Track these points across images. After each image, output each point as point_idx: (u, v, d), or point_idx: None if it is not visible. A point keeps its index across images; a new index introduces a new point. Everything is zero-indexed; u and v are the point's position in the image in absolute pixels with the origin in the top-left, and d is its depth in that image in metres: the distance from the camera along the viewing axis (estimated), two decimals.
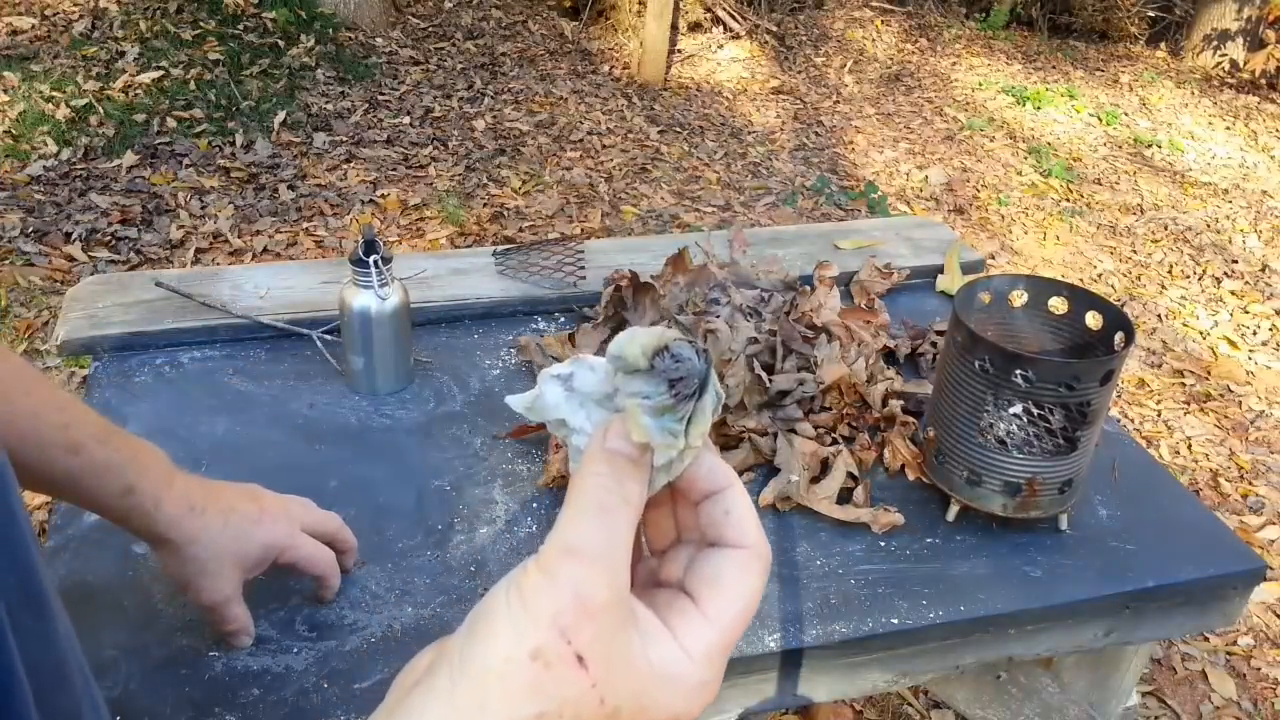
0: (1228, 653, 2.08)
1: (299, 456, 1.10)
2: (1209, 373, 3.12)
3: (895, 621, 0.95)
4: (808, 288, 1.39)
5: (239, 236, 3.18)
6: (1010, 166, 4.57)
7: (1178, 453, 2.74)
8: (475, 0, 5.44)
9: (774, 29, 5.72)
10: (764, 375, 1.14)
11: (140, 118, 3.65)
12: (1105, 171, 4.66)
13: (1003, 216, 4.09)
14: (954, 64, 5.82)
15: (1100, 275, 3.70)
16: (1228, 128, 5.43)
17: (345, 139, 3.89)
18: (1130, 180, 4.60)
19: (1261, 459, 2.72)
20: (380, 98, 4.28)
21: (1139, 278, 3.71)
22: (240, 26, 4.38)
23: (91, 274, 2.73)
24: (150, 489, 0.76)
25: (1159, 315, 3.44)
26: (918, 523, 1.07)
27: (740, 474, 1.11)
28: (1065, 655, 1.16)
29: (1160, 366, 3.14)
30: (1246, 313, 3.51)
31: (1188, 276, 3.75)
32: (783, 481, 1.07)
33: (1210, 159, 4.99)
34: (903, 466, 1.14)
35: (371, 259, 1.14)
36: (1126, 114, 5.42)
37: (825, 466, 1.10)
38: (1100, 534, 1.08)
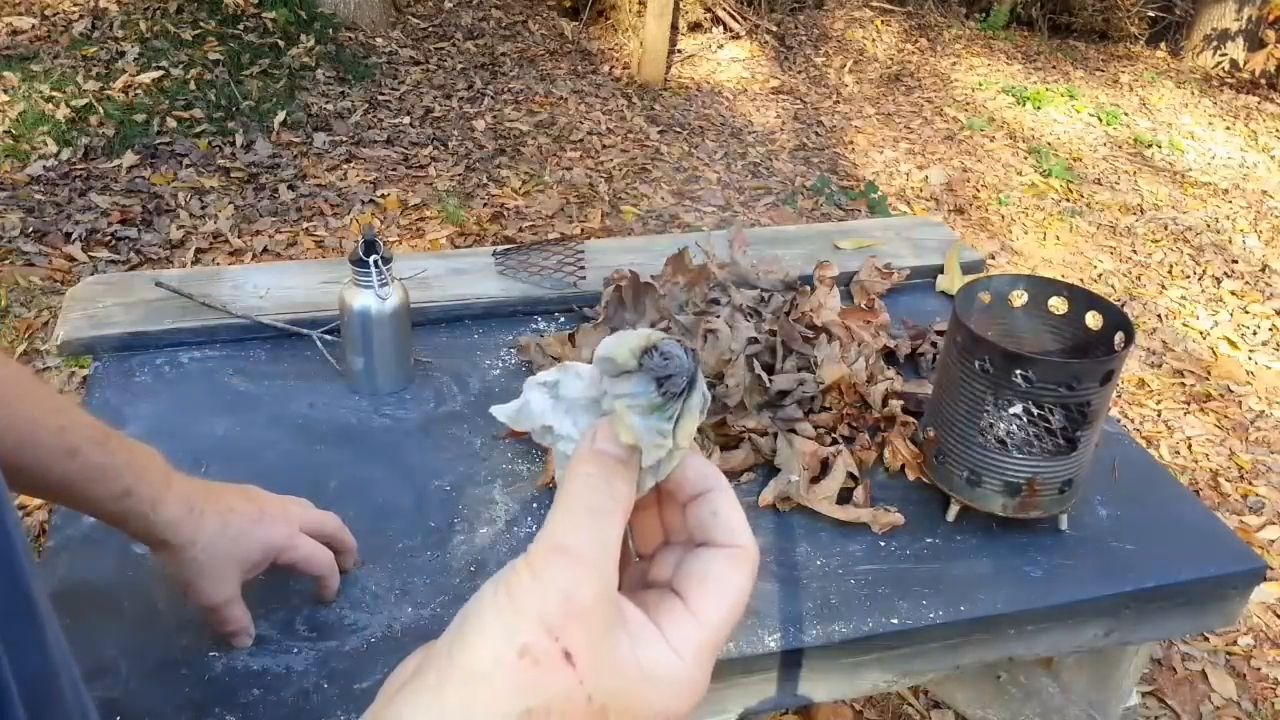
0: (1228, 653, 2.08)
1: (299, 457, 1.10)
2: (1209, 373, 3.12)
3: (895, 621, 0.95)
4: (808, 288, 1.39)
5: (239, 236, 3.18)
6: (1010, 166, 4.57)
7: (1178, 453, 2.74)
8: (475, 0, 5.44)
9: (774, 29, 5.72)
10: (764, 375, 1.14)
11: (140, 118, 3.65)
12: (1105, 171, 4.66)
13: (1003, 216, 4.09)
14: (954, 64, 5.82)
15: (1100, 275, 3.70)
16: (1228, 128, 5.42)
17: (345, 139, 3.89)
18: (1130, 180, 4.60)
19: (1261, 459, 2.72)
20: (380, 98, 4.28)
21: (1139, 278, 3.71)
22: (240, 26, 4.38)
23: (91, 274, 2.72)
24: (148, 492, 0.76)
25: (1159, 315, 3.44)
26: (918, 523, 1.07)
27: (740, 474, 1.11)
28: (1065, 655, 1.16)
29: (1160, 366, 3.14)
30: (1246, 313, 3.51)
31: (1188, 276, 3.75)
32: (783, 481, 1.07)
33: (1210, 159, 4.98)
34: (903, 466, 1.14)
35: (371, 259, 1.14)
36: (1126, 114, 5.42)
37: (825, 466, 1.10)
38: (1100, 534, 1.08)
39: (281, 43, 4.37)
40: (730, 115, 4.76)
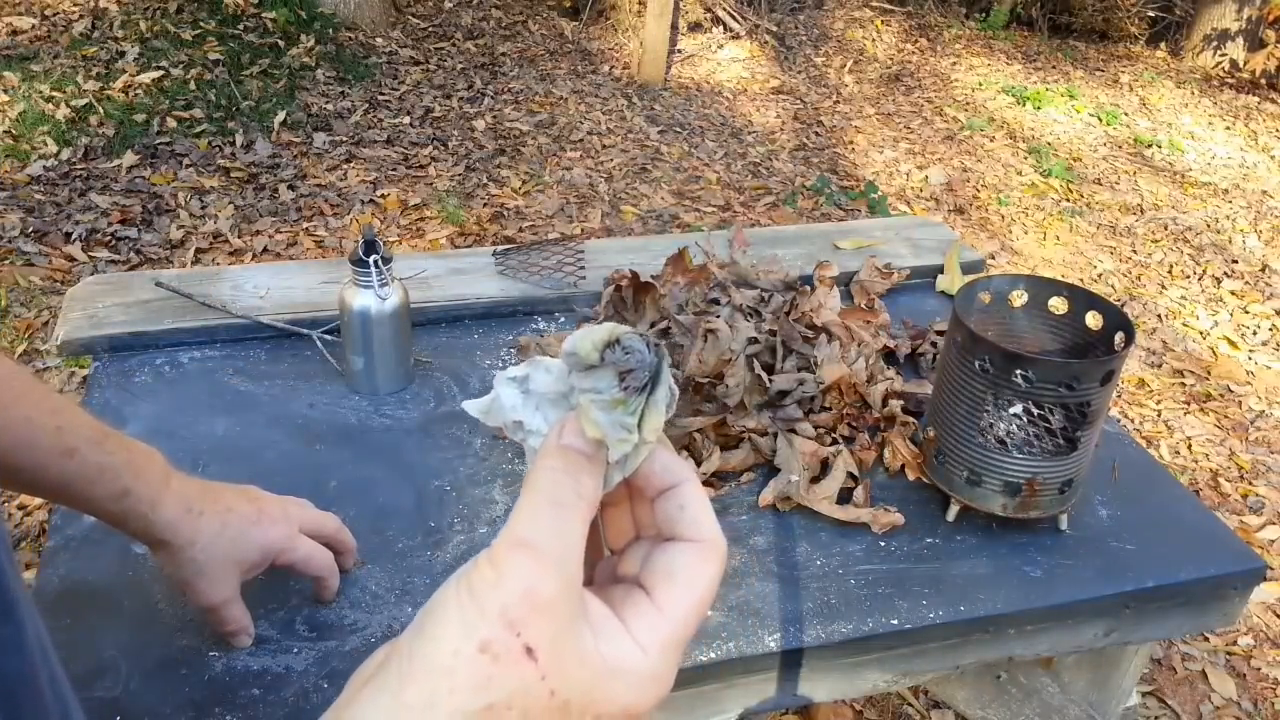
0: (1228, 653, 2.08)
1: (299, 457, 1.10)
2: (1209, 373, 3.12)
3: (895, 621, 0.95)
4: (808, 288, 1.39)
5: (239, 236, 3.18)
6: (1010, 166, 4.57)
7: (1178, 453, 2.74)
8: (475, 0, 5.44)
9: (774, 29, 5.72)
10: (764, 375, 1.14)
11: (140, 118, 3.65)
12: (1105, 171, 4.66)
13: (1003, 216, 4.09)
14: (954, 64, 5.82)
15: (1100, 275, 3.70)
16: (1228, 128, 5.42)
17: (345, 139, 3.89)
18: (1130, 180, 4.60)
19: (1261, 459, 2.72)
20: (380, 98, 4.28)
21: (1139, 278, 3.71)
22: (240, 26, 4.38)
23: (91, 274, 2.72)
24: (146, 491, 0.76)
25: (1159, 315, 3.44)
26: (918, 523, 1.07)
27: (740, 474, 1.11)
28: (1065, 655, 1.16)
29: (1160, 366, 3.14)
30: (1246, 313, 3.51)
31: (1188, 276, 3.75)
32: (783, 481, 1.07)
33: (1210, 159, 4.98)
34: (903, 466, 1.14)
35: (371, 259, 1.14)
36: (1126, 114, 5.42)
37: (825, 466, 1.10)
38: (1100, 534, 1.08)
39: (281, 43, 4.37)
40: (730, 115, 4.76)
